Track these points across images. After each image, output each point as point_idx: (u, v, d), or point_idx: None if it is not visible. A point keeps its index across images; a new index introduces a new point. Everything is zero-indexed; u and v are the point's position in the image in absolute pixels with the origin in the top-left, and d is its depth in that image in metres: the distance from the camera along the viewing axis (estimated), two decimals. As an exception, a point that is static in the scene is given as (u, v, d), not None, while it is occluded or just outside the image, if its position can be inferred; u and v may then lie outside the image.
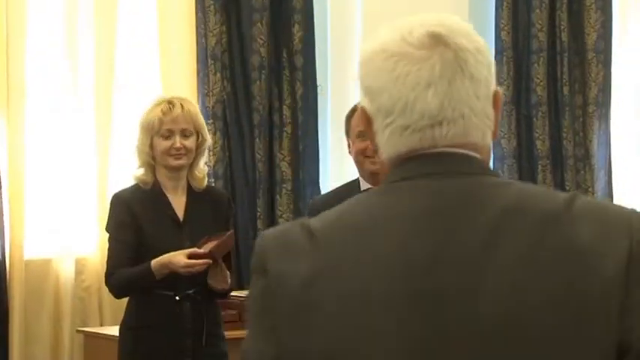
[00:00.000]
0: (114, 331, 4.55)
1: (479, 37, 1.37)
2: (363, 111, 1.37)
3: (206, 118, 5.26)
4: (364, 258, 1.28)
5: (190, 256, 3.46)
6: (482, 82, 1.34)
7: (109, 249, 3.65)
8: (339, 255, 1.30)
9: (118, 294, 3.65)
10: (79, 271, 4.99)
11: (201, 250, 3.49)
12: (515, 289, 1.24)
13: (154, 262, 3.47)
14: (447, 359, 1.24)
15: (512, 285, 1.24)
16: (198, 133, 3.63)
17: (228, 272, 3.58)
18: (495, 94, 1.36)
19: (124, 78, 5.16)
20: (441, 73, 1.31)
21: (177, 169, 3.62)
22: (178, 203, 3.64)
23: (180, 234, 3.59)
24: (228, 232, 3.60)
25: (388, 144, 1.34)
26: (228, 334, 4.13)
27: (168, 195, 3.63)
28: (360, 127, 3.35)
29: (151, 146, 3.58)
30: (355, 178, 3.49)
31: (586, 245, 1.24)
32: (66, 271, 4.96)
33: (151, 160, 3.61)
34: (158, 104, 3.62)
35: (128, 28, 5.19)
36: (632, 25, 6.45)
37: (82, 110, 5.04)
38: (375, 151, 1.38)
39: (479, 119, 1.34)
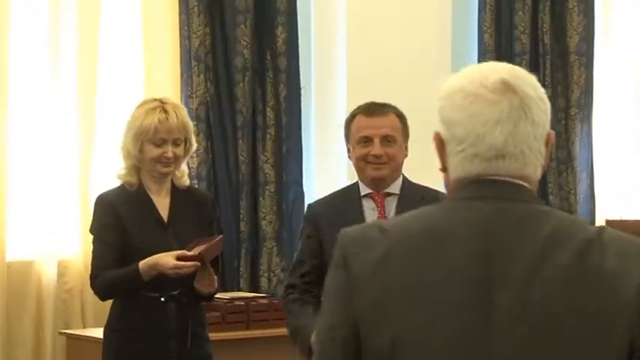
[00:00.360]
0: (96, 333, 4.54)
1: (540, 86, 1.65)
2: (439, 136, 1.65)
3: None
4: (425, 258, 1.57)
5: (179, 258, 3.45)
6: (540, 126, 1.62)
7: (93, 251, 3.63)
8: (405, 249, 1.59)
9: (103, 296, 3.63)
10: (61, 273, 4.97)
11: (190, 253, 3.48)
12: (554, 301, 1.52)
13: (142, 264, 3.46)
14: (489, 350, 1.52)
15: (552, 297, 1.52)
16: (187, 140, 3.63)
17: (215, 276, 3.57)
18: (548, 135, 1.64)
19: (107, 79, 5.15)
20: (508, 115, 1.60)
21: (165, 176, 3.62)
22: (163, 205, 3.63)
23: (165, 235, 3.58)
24: (218, 237, 3.60)
25: (459, 167, 1.63)
26: (212, 335, 4.12)
27: (152, 196, 3.62)
28: (364, 133, 3.34)
29: (141, 151, 3.57)
30: (353, 182, 3.47)
31: (611, 270, 1.53)
32: (48, 273, 4.94)
33: (138, 163, 3.59)
34: (152, 110, 3.56)
35: (111, 29, 5.18)
36: (614, 28, 6.48)
37: (65, 111, 5.02)
38: (443, 169, 1.66)
39: (534, 157, 1.62)
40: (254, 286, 5.34)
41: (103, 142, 5.08)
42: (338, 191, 3.54)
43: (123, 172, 3.62)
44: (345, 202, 3.39)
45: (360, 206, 3.38)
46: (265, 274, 5.37)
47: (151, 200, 3.61)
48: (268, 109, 5.45)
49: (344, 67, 5.65)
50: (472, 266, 1.55)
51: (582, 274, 1.54)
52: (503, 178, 1.61)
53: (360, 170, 3.39)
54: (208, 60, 5.33)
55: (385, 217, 3.34)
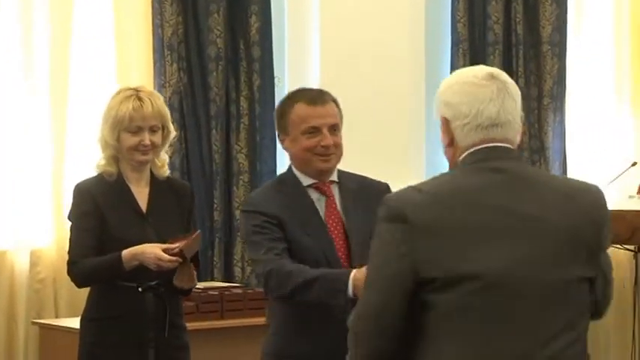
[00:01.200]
0: (69, 323, 4.52)
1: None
2: (445, 118, 2.30)
3: (162, 109, 5.24)
4: (463, 208, 2.20)
5: (163, 252, 3.44)
6: (518, 104, 2.30)
7: (71, 238, 3.60)
8: (443, 204, 2.21)
9: (81, 283, 3.61)
10: (34, 263, 4.95)
11: (175, 245, 3.46)
12: (551, 226, 2.23)
13: (126, 252, 3.44)
14: (523, 249, 2.21)
15: (549, 222, 2.23)
16: (164, 127, 3.61)
17: (195, 272, 3.56)
18: (521, 116, 2.30)
19: (79, 68, 5.12)
20: (497, 95, 2.27)
21: (143, 164, 3.59)
22: (142, 195, 3.61)
23: (143, 226, 3.56)
24: (196, 232, 3.57)
25: (467, 136, 2.27)
26: (187, 325, 4.11)
27: (131, 186, 3.60)
28: (312, 123, 3.16)
29: (118, 140, 3.54)
30: (284, 173, 3.30)
31: (588, 209, 2.28)
32: (21, 263, 4.92)
33: (117, 153, 3.57)
34: (126, 98, 3.54)
35: (84, 18, 5.15)
36: (587, 18, 6.51)
37: (37, 100, 5.00)
38: (450, 144, 2.30)
39: (517, 125, 2.30)
40: (228, 276, 5.34)
41: (76, 131, 5.06)
42: (272, 185, 3.33)
43: (102, 162, 3.59)
44: (289, 195, 3.23)
45: (310, 197, 3.23)
46: (239, 264, 5.37)
47: (129, 190, 3.59)
48: (242, 98, 5.45)
49: (317, 57, 5.65)
50: (495, 207, 2.22)
51: (569, 212, 2.25)
52: (498, 144, 2.27)
53: (305, 162, 3.21)
54: (181, 49, 5.32)
55: (335, 205, 3.24)
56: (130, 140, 3.53)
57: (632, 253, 5.78)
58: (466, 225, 2.19)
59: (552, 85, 6.21)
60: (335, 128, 3.22)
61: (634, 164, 6.12)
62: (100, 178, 3.59)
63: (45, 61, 5.01)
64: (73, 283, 3.64)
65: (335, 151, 3.21)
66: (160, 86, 5.24)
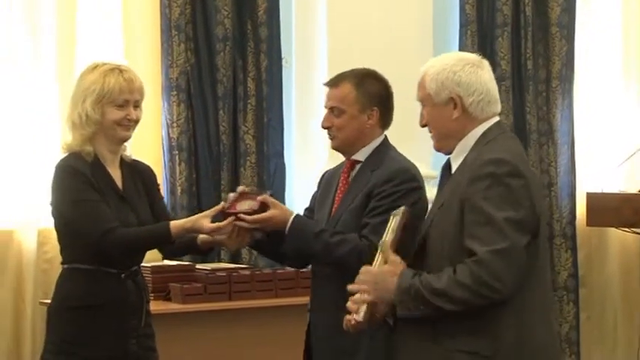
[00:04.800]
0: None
1: None
2: (458, 95, 2.74)
3: (169, 89, 5.24)
4: (529, 167, 2.77)
5: (222, 214, 3.34)
6: None
7: (84, 212, 3.33)
8: (526, 165, 2.74)
9: (121, 251, 3.34)
10: (41, 243, 4.95)
11: (234, 210, 3.33)
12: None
13: (175, 227, 3.33)
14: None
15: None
16: (140, 105, 3.48)
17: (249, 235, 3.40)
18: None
19: (87, 49, 5.11)
20: (491, 75, 2.79)
21: (124, 140, 3.47)
22: (116, 176, 3.47)
23: (124, 208, 3.43)
24: (267, 192, 3.42)
25: (483, 110, 2.76)
26: (194, 307, 4.11)
27: (107, 167, 3.45)
28: (324, 103, 3.35)
29: (101, 115, 3.39)
30: None
31: None
32: (28, 243, 4.92)
33: (98, 129, 3.40)
34: (109, 71, 3.40)
35: (91, -1, 5.15)
36: (596, 0, 6.48)
37: (44, 81, 5.00)
38: (459, 116, 2.74)
39: None
40: (235, 257, 5.34)
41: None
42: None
43: (77, 141, 3.41)
44: (337, 170, 3.48)
45: (339, 175, 3.44)
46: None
47: (107, 171, 3.45)
48: (249, 79, 5.44)
49: (325, 38, 5.63)
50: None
51: None
52: (499, 118, 2.81)
53: None
54: (189, 29, 5.31)
55: (347, 182, 3.35)
56: (116, 114, 3.39)
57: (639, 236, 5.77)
58: (535, 181, 2.72)
59: (561, 68, 6.19)
60: (335, 111, 3.26)
61: (642, 147, 6.10)
62: (79, 157, 3.40)
63: (52, 43, 5.00)
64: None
65: (335, 133, 3.28)
66: (167, 67, 5.23)
